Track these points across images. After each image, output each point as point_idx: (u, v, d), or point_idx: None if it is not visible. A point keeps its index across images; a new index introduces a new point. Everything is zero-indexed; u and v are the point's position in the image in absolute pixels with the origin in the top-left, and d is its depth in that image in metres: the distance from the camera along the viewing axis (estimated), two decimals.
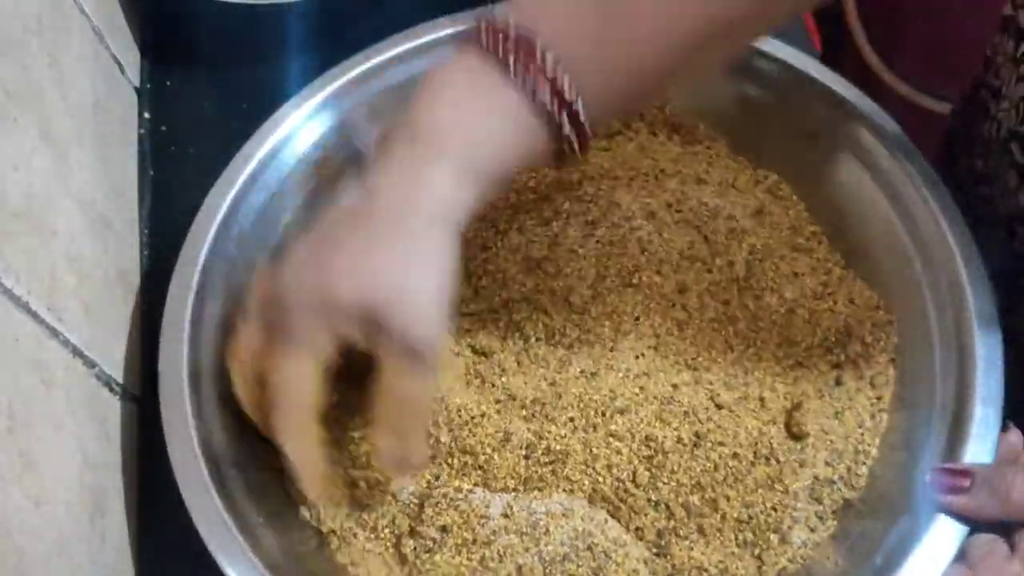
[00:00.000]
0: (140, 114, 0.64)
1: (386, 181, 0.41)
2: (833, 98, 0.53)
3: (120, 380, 0.51)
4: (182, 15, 0.65)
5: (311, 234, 0.42)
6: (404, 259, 0.39)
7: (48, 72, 0.49)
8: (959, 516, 0.41)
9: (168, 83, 0.66)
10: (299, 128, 0.54)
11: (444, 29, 0.56)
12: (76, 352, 0.46)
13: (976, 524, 0.41)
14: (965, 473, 0.41)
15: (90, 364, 0.48)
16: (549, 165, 0.48)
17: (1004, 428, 0.43)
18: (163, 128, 0.64)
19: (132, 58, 0.65)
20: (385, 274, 0.39)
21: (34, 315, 0.43)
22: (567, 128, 0.40)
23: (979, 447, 0.43)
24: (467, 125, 0.40)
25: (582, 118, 0.40)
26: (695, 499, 0.45)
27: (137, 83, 0.65)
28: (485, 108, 0.40)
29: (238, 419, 0.46)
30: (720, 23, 0.40)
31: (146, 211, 0.61)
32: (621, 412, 0.47)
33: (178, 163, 0.63)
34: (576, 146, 0.42)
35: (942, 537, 0.41)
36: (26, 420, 0.40)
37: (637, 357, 0.49)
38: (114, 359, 0.51)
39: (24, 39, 0.47)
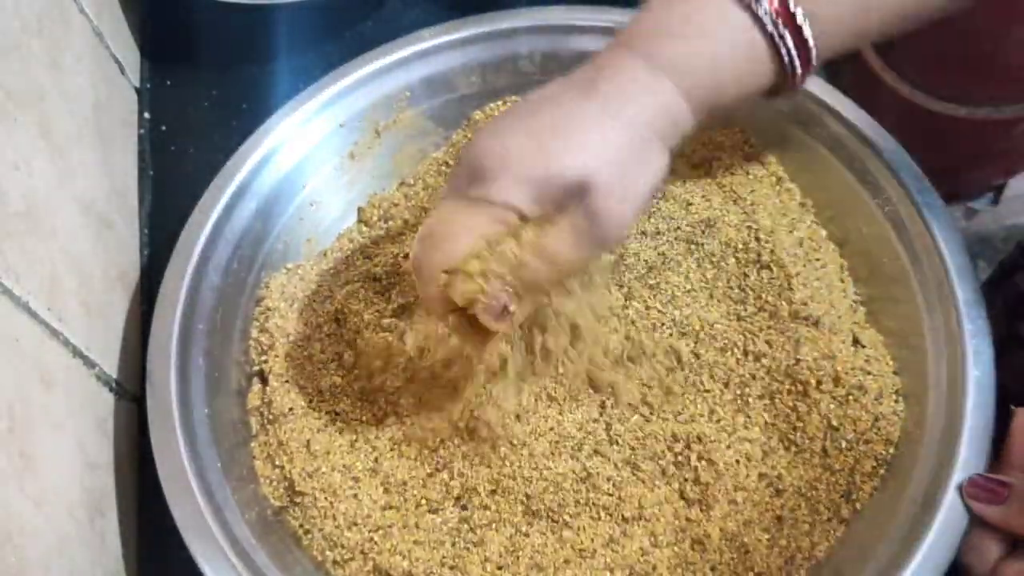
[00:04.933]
0: (140, 114, 0.64)
1: (611, 75, 0.41)
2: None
3: (120, 380, 0.51)
4: (182, 15, 0.65)
5: (521, 105, 0.42)
6: (630, 151, 0.40)
7: (48, 72, 0.49)
8: (987, 524, 0.41)
9: (168, 83, 0.66)
10: (293, 134, 0.54)
11: (442, 36, 0.56)
12: (76, 352, 0.46)
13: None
14: (1003, 484, 0.41)
15: (90, 364, 0.48)
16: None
17: None
18: (163, 128, 0.64)
19: (132, 58, 0.65)
20: (613, 155, 0.39)
21: (34, 315, 0.43)
22: (790, 45, 0.41)
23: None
24: (689, 44, 0.41)
25: (806, 34, 0.41)
26: None
27: (137, 83, 0.65)
28: (709, 28, 0.41)
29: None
30: None
31: (146, 211, 0.61)
32: None
33: (178, 163, 0.63)
34: (797, 69, 0.42)
35: None
36: (26, 420, 0.40)
37: None
38: (114, 359, 0.51)
39: (24, 39, 0.47)
